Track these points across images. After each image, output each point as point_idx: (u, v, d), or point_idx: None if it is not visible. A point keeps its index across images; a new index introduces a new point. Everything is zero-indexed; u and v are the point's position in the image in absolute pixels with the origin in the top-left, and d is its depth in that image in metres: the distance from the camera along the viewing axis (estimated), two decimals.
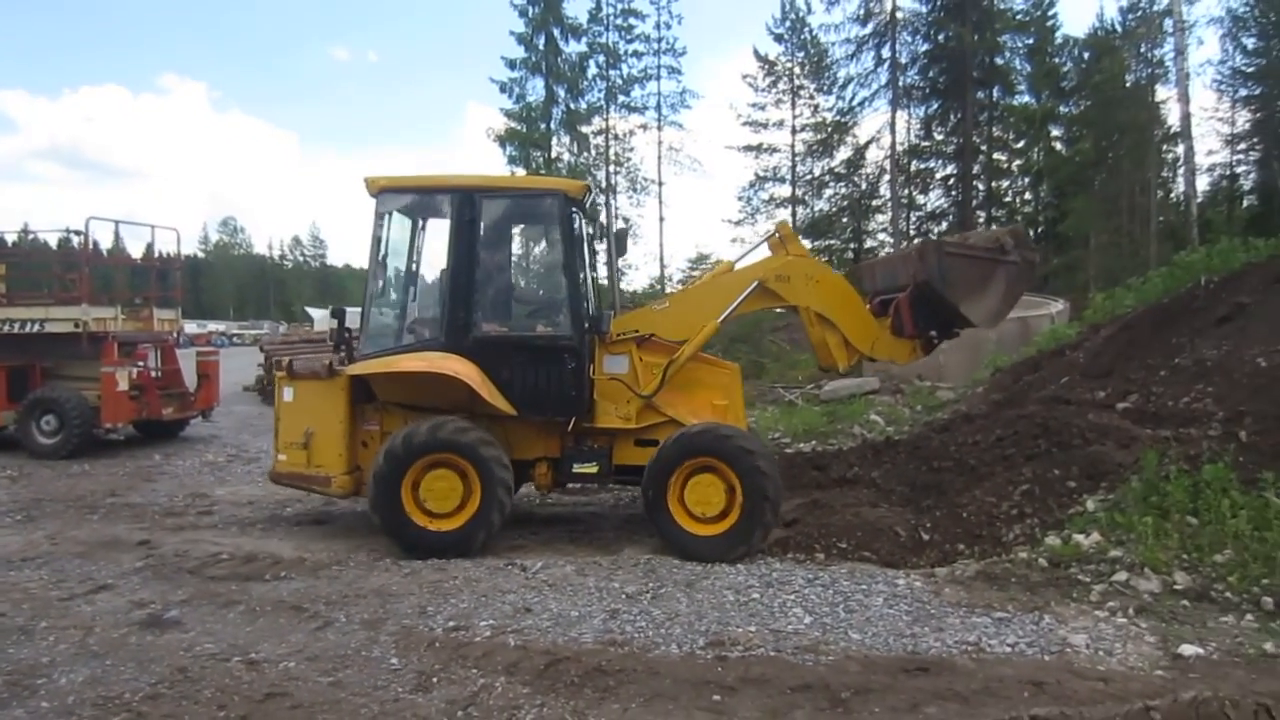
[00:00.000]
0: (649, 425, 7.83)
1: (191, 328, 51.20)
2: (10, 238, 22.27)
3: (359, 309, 8.28)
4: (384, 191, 7.89)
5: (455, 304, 7.64)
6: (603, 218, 8.43)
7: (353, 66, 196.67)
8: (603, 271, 8.99)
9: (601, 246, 8.85)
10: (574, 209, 7.89)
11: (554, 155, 43.93)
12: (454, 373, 7.24)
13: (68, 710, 4.42)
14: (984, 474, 8.17)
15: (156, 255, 16.15)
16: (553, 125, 44.08)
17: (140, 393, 13.33)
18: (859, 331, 7.99)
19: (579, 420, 7.81)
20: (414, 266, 8.34)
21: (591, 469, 7.84)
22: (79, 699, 4.53)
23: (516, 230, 8.56)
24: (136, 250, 41.72)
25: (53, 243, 20.00)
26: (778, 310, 8.60)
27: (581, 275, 7.99)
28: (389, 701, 4.51)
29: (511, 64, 43.02)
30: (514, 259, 8.49)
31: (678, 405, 7.86)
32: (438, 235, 8.13)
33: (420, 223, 8.33)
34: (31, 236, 21.45)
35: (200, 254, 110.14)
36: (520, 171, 41.81)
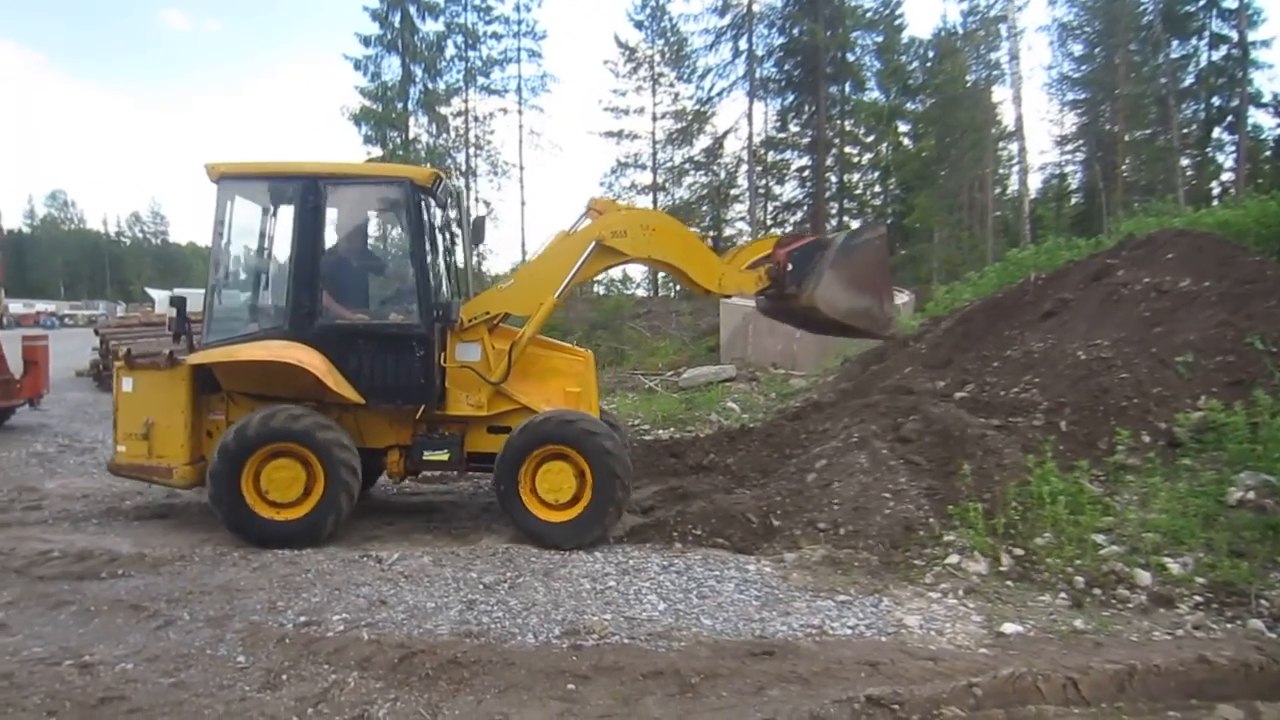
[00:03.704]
0: (502, 413, 7.86)
1: (17, 307, 47.79)
2: None
3: (202, 292, 7.98)
4: (225, 178, 7.65)
5: (300, 292, 7.53)
6: (464, 203, 8.30)
7: (192, 36, 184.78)
8: (460, 258, 8.94)
9: (460, 232, 8.81)
10: (422, 196, 7.80)
11: (412, 136, 42.94)
12: (297, 361, 7.12)
13: None
14: None
15: None
16: (410, 105, 43.01)
17: None
18: (703, 272, 8.10)
19: (429, 408, 7.77)
20: (258, 254, 8.16)
21: (443, 457, 7.81)
22: None
23: (363, 218, 8.45)
24: None
25: None
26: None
27: (430, 263, 7.92)
28: (235, 701, 4.38)
29: (366, 40, 41.81)
30: (361, 247, 8.40)
31: (530, 393, 7.91)
32: (282, 222, 7.95)
33: (264, 209, 8.12)
34: None
35: (25, 229, 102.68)
36: (376, 151, 40.65)
